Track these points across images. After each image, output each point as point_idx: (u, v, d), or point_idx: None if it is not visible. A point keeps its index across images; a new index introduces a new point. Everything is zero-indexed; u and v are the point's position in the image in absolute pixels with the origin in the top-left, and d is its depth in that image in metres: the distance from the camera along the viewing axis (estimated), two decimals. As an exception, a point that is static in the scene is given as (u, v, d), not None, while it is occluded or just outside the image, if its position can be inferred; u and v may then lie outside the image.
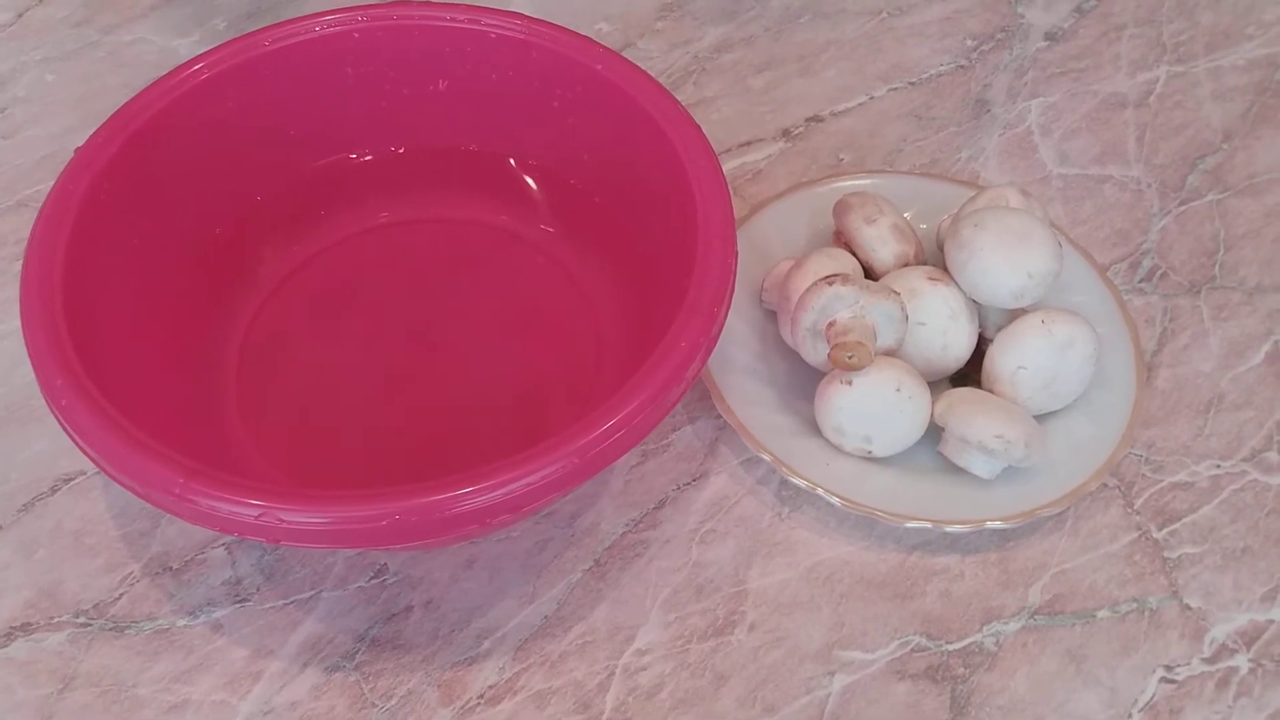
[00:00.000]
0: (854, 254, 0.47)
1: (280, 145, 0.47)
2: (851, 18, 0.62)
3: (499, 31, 0.46)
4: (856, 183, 0.52)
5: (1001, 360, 0.44)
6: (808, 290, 0.43)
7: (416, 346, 0.46)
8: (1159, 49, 0.62)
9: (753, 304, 0.49)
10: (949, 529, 0.42)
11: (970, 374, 0.46)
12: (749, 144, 0.57)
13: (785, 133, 0.57)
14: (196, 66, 0.44)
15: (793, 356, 0.46)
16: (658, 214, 0.44)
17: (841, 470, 0.43)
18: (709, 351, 0.37)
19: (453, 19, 0.46)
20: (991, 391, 0.45)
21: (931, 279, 0.45)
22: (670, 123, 0.43)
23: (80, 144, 0.42)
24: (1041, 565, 0.43)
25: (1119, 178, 0.56)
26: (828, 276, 0.43)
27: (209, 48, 0.45)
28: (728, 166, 0.56)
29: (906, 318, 0.43)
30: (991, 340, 0.45)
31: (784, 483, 0.45)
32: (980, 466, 0.43)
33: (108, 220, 0.41)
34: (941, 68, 0.60)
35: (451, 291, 0.48)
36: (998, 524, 0.42)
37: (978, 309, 0.46)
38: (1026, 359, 0.43)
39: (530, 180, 0.49)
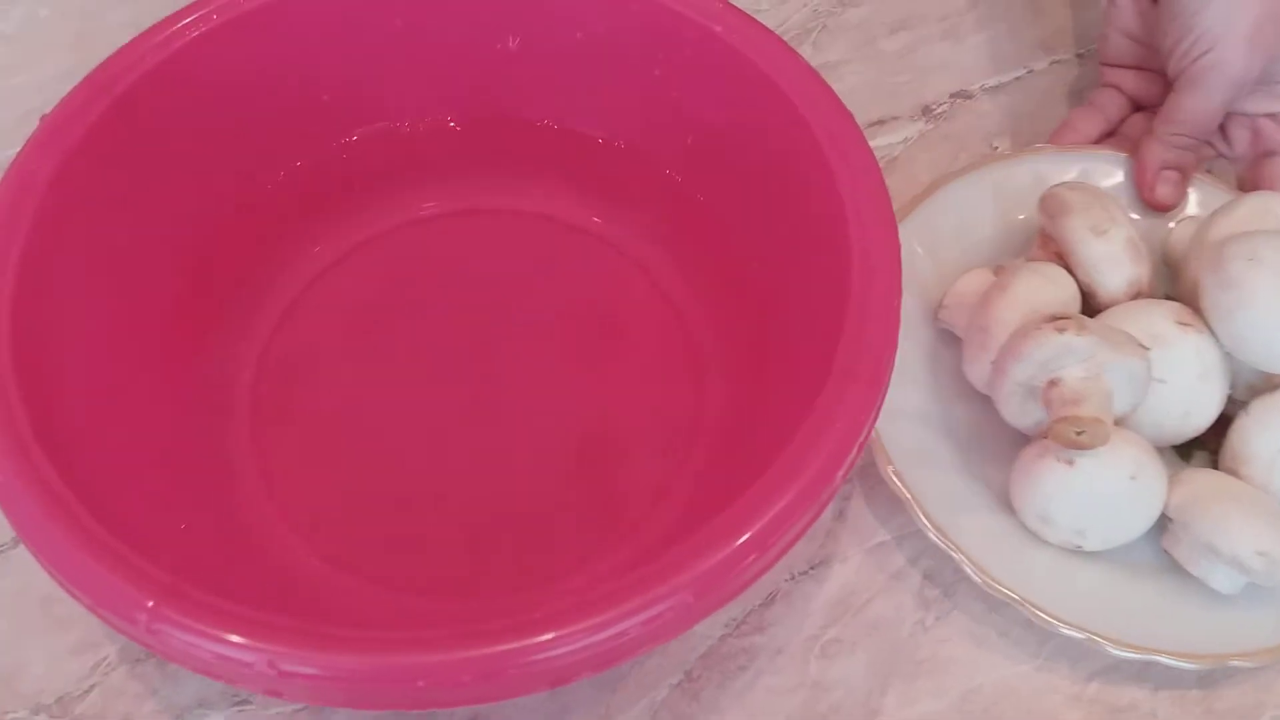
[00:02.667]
0: (1069, 271, 0.36)
1: (305, 113, 0.38)
2: (1007, -32, 0.51)
3: (591, -21, 0.36)
4: (1063, 164, 0.41)
5: (1260, 439, 0.34)
6: (1025, 336, 0.33)
7: (469, 378, 0.37)
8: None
9: (923, 319, 0.38)
10: (1176, 663, 0.32)
11: (1205, 442, 0.36)
12: (881, 123, 0.46)
13: (925, 110, 0.46)
14: (202, 11, 0.35)
15: (976, 399, 0.36)
16: (786, 224, 0.34)
17: (1039, 568, 0.34)
18: (868, 436, 0.27)
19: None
20: (1234, 474, 0.35)
21: (1182, 324, 0.35)
22: (813, 108, 0.33)
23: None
24: (1258, 705, 0.34)
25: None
26: (1056, 320, 0.32)
27: None
28: (854, 152, 0.45)
29: (1150, 379, 0.33)
30: (1244, 406, 0.35)
31: (929, 576, 0.35)
32: (1222, 580, 0.34)
33: (80, 212, 0.31)
34: (1117, 35, 0.49)
35: (514, 305, 0.38)
36: (1242, 663, 0.32)
37: (1230, 364, 0.36)
38: None
39: (618, 168, 0.39)
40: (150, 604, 0.23)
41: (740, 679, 0.33)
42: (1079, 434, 0.32)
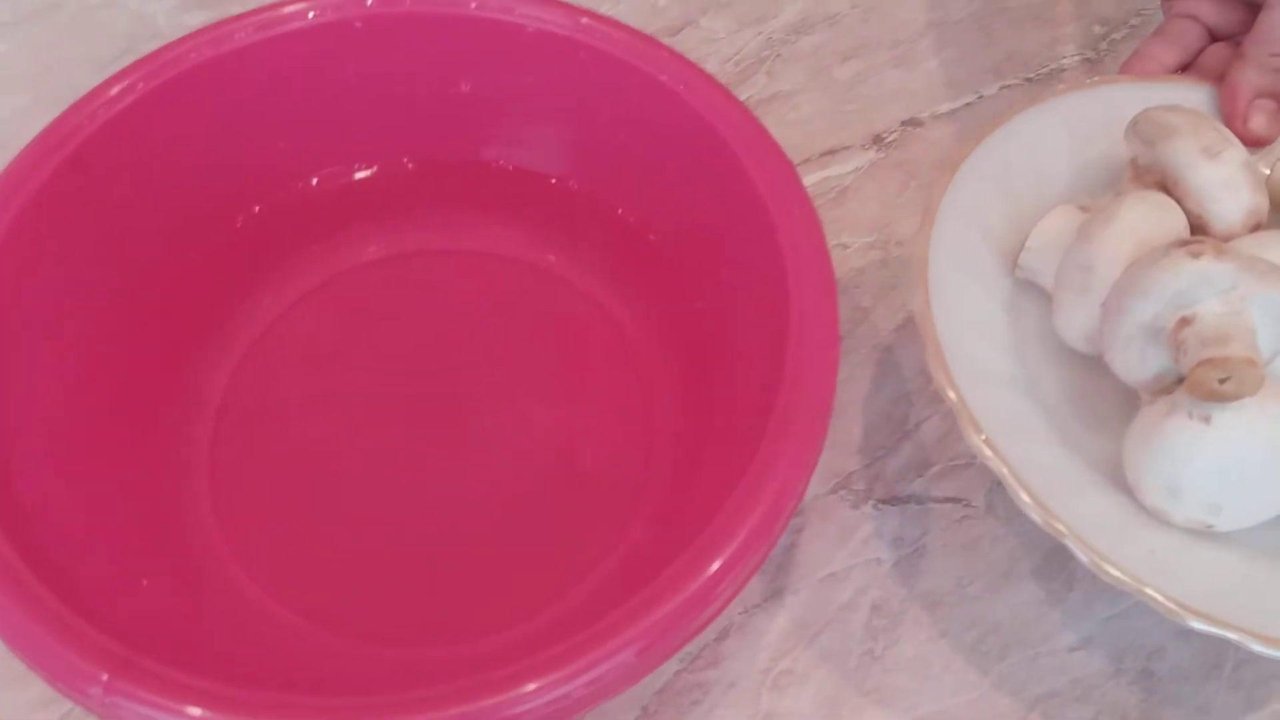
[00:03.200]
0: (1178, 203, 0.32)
1: (261, 161, 0.38)
2: (958, -7, 0.52)
3: (538, 25, 0.36)
4: (1140, 94, 0.36)
5: None
6: (1151, 264, 0.28)
7: (429, 418, 0.37)
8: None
9: (999, 269, 0.34)
10: None
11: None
12: (832, 153, 0.47)
13: (876, 139, 0.47)
14: (152, 66, 0.35)
15: (1068, 360, 0.32)
16: (729, 267, 0.35)
17: (1163, 551, 0.29)
18: (803, 493, 0.28)
19: (479, 8, 0.37)
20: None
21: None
22: (752, 154, 0.34)
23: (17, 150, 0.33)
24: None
25: None
26: (1188, 243, 0.28)
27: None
28: (807, 180, 0.46)
29: None
30: None
31: (876, 607, 0.36)
32: None
33: (33, 270, 0.32)
34: (1065, 60, 0.50)
35: (473, 345, 0.39)
36: None
37: None
38: None
39: (571, 207, 0.40)
40: (104, 677, 0.24)
41: (694, 713, 0.34)
42: (1223, 381, 0.27)
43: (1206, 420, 0.29)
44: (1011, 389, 0.32)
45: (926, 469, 0.39)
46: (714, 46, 0.50)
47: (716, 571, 0.26)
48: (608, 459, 0.37)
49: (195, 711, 0.24)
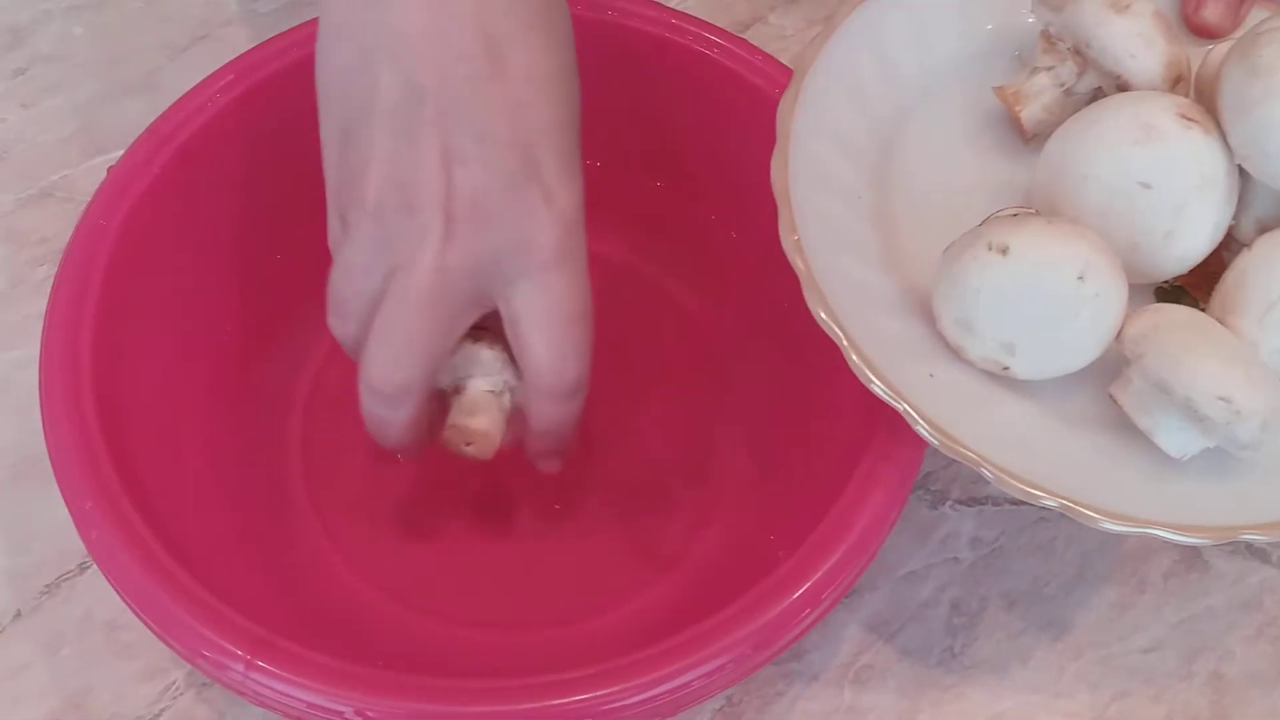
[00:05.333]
0: (1090, 67, 0.32)
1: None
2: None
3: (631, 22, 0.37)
4: None
5: (1256, 282, 0.29)
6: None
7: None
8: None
9: (868, 149, 0.33)
10: (1103, 524, 0.27)
11: (1190, 289, 0.32)
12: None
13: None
14: (257, 58, 0.35)
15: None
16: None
17: (947, 383, 0.29)
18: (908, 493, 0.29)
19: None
20: (1223, 324, 0.30)
21: (1186, 119, 0.29)
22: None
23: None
24: (1264, 726, 0.36)
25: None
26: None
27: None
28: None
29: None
30: (1248, 245, 0.30)
31: (955, 605, 0.37)
32: (1172, 437, 0.29)
33: (145, 262, 0.33)
34: None
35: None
36: (1171, 534, 0.28)
37: (1242, 187, 0.30)
38: None
39: (656, 204, 0.40)
40: (247, 657, 0.25)
41: (778, 704, 0.35)
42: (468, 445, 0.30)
43: (1004, 252, 0.28)
44: (866, 264, 0.32)
45: (1002, 470, 0.39)
46: (783, 43, 0.51)
47: (831, 568, 0.26)
48: (685, 454, 0.37)
49: (328, 688, 0.24)
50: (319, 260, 0.39)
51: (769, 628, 0.26)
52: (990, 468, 0.27)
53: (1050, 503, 0.27)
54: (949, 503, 0.39)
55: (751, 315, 0.38)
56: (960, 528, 0.38)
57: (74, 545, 0.37)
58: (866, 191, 0.33)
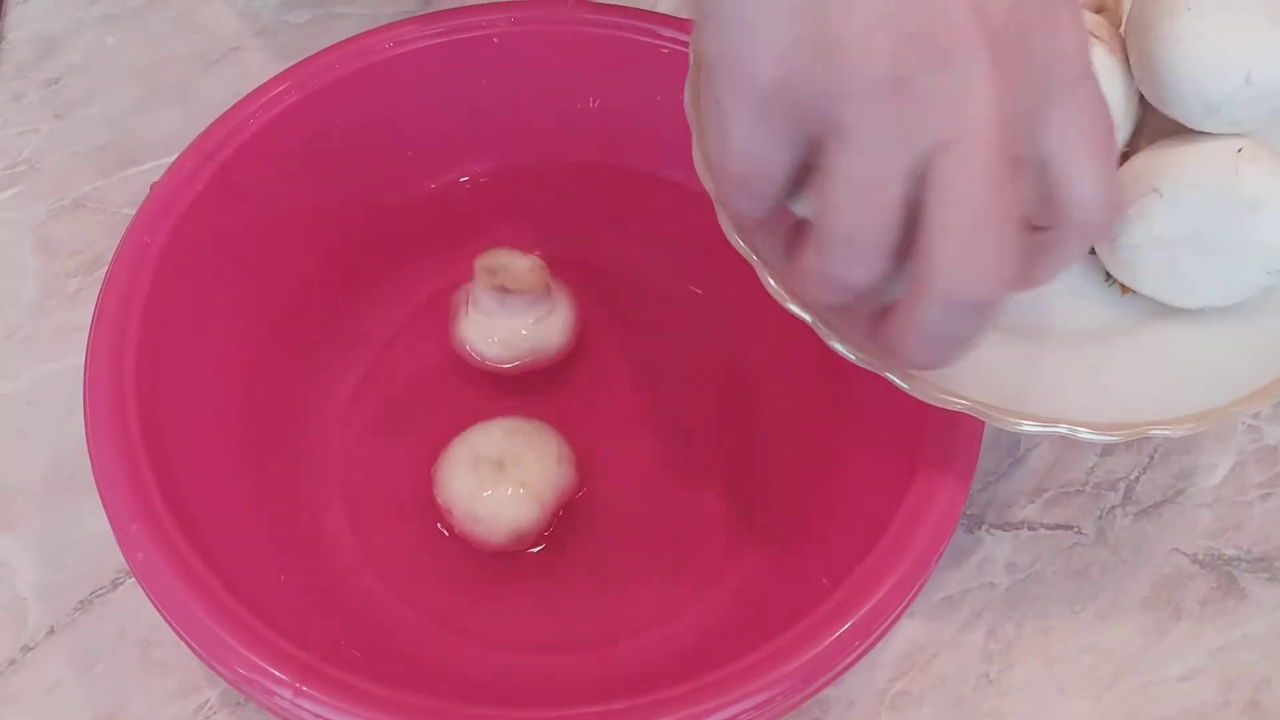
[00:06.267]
0: None
1: (388, 166, 0.39)
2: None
3: (673, 46, 0.37)
4: None
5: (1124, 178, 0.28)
6: None
7: (556, 419, 0.37)
8: None
9: None
10: (1019, 426, 0.28)
11: None
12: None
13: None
14: (296, 78, 0.35)
15: None
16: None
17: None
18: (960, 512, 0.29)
19: (616, 27, 0.37)
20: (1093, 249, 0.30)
21: (1090, 34, 0.29)
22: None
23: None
24: (1302, 757, 0.36)
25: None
26: None
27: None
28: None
29: None
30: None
31: (991, 631, 0.37)
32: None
33: (187, 276, 0.33)
34: None
35: (596, 347, 0.39)
36: (1087, 434, 0.28)
37: (1138, 111, 0.29)
38: (1173, 213, 0.28)
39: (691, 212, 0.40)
40: (296, 684, 0.25)
41: (814, 730, 0.35)
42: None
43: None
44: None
45: (1038, 495, 0.39)
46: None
47: (882, 600, 0.26)
48: (726, 474, 0.37)
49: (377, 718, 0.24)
50: (353, 276, 0.39)
51: (818, 660, 0.26)
52: (904, 377, 0.27)
53: (962, 405, 0.27)
54: (985, 527, 0.38)
55: (785, 334, 0.38)
56: (996, 552, 0.38)
57: (108, 561, 0.38)
58: None
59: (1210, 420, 0.28)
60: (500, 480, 0.34)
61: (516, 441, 0.35)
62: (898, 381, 0.28)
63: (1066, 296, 0.31)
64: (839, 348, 0.28)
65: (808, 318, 0.28)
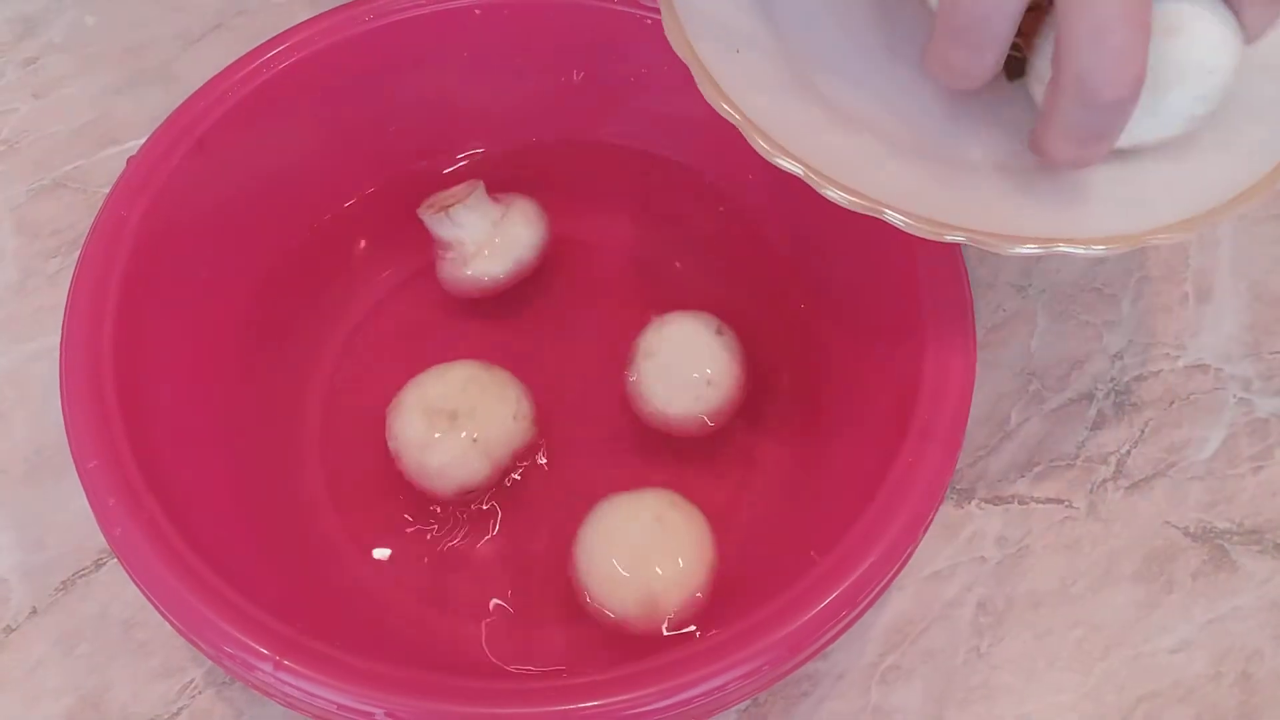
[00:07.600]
0: None
1: (373, 145, 0.38)
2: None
3: (657, 18, 0.36)
4: None
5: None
6: None
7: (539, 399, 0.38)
8: None
9: None
10: (1014, 249, 0.28)
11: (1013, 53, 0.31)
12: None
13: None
14: (274, 51, 0.35)
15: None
16: (847, 267, 0.36)
17: (844, 146, 0.30)
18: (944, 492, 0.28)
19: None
20: (1033, 65, 0.30)
21: None
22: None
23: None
24: None
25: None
26: None
27: None
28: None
29: None
30: None
31: (981, 605, 0.37)
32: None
33: (164, 253, 0.32)
34: None
35: (578, 326, 0.39)
36: (1078, 249, 0.29)
37: None
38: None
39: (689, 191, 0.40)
40: (276, 657, 0.24)
41: (804, 704, 0.35)
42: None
43: None
44: (755, 46, 0.32)
45: (1028, 469, 0.39)
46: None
47: (868, 570, 0.26)
48: (715, 448, 0.37)
49: (357, 689, 0.24)
50: (336, 250, 0.39)
51: (804, 630, 0.25)
52: (898, 214, 0.28)
53: (960, 237, 0.29)
54: (975, 501, 0.38)
55: (776, 314, 0.38)
56: (987, 527, 0.38)
57: (89, 541, 0.37)
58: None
59: (1203, 224, 0.29)
60: (451, 432, 0.32)
61: (472, 393, 0.33)
62: (897, 221, 0.28)
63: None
64: (832, 194, 0.29)
65: (798, 170, 0.29)
